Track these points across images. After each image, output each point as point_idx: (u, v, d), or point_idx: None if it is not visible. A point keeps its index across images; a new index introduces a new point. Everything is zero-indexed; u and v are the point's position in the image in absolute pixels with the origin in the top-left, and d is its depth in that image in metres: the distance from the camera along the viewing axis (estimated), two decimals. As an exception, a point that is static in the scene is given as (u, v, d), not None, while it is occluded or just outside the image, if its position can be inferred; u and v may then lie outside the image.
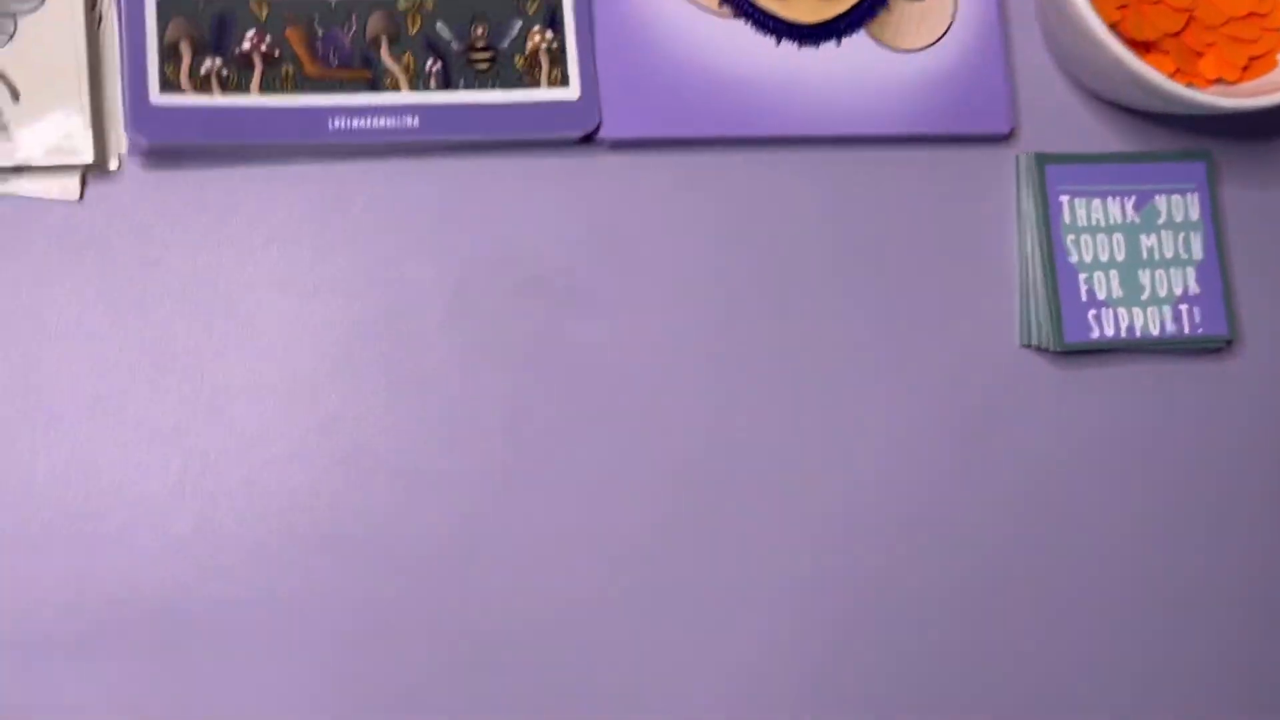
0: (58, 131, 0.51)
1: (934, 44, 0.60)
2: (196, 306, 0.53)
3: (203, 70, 0.52)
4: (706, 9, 0.58)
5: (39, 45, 0.52)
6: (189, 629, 0.51)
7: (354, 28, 0.54)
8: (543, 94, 0.56)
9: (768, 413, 0.58)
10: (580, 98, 0.56)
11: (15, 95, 0.51)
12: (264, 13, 0.53)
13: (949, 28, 0.60)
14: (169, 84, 0.52)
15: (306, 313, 0.54)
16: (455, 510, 0.54)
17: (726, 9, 0.58)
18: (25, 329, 0.52)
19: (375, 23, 0.54)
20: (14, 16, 0.52)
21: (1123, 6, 0.59)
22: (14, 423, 0.51)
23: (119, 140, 0.53)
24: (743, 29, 0.58)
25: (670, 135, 0.57)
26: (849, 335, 0.58)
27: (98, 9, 0.53)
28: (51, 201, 0.53)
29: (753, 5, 0.58)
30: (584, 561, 0.55)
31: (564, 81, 0.56)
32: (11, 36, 0.52)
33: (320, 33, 0.54)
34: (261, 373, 0.53)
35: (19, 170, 0.51)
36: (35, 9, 0.52)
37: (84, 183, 0.53)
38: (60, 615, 0.50)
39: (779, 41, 0.58)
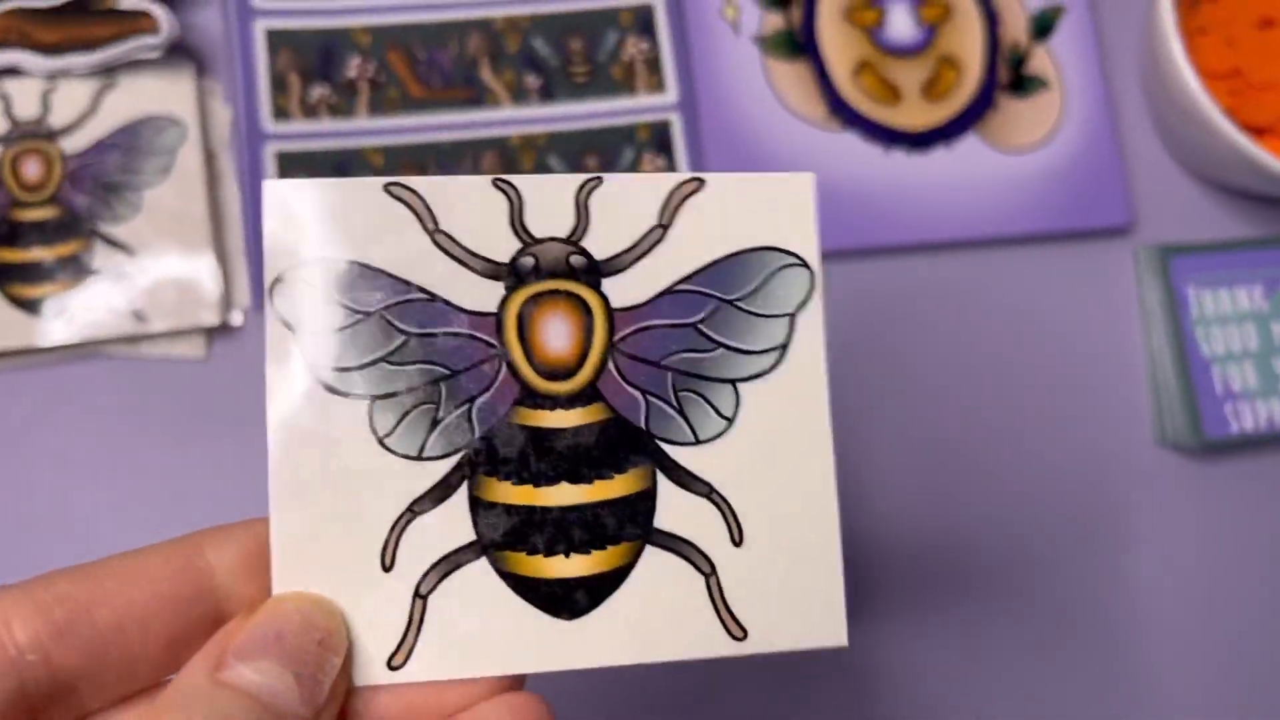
0: (187, 295, 0.52)
1: (1045, 141, 0.59)
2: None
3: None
4: (813, 122, 0.58)
5: (167, 216, 0.52)
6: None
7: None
8: (659, 223, 0.56)
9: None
10: (696, 223, 0.56)
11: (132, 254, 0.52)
12: (380, 161, 0.54)
13: (1059, 123, 0.60)
14: (293, 244, 0.52)
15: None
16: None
17: (835, 121, 0.58)
18: (161, 489, 0.52)
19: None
20: (140, 191, 0.52)
21: (1234, 93, 0.58)
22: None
23: (241, 296, 0.54)
24: (851, 140, 0.58)
25: (786, 253, 0.57)
26: (979, 438, 0.58)
27: (214, 168, 0.54)
28: (179, 361, 0.53)
29: (861, 115, 0.58)
30: None
31: (679, 208, 0.56)
32: (139, 210, 0.52)
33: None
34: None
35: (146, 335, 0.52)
36: (160, 183, 0.53)
37: (210, 340, 0.53)
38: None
39: (888, 150, 0.58)
